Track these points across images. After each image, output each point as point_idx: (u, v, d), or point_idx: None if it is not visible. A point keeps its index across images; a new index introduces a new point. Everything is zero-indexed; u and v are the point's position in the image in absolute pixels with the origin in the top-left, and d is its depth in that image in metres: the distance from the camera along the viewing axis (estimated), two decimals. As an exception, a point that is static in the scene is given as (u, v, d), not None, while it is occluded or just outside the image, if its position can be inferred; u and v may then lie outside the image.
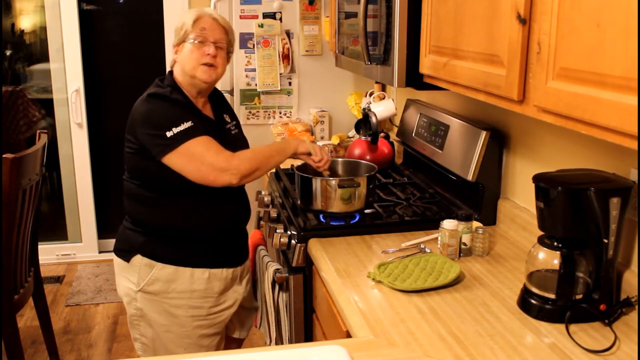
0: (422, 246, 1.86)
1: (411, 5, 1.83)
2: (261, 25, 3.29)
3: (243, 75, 3.35)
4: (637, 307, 1.44)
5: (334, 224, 2.01)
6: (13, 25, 4.04)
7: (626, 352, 1.29)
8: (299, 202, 2.12)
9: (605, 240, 1.37)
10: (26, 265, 2.59)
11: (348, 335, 1.50)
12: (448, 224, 1.75)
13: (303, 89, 3.44)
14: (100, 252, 4.24)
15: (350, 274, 1.68)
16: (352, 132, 3.18)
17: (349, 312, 1.48)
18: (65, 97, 3.99)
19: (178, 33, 1.91)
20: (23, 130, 4.06)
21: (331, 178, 2.04)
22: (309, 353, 1.26)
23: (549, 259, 1.45)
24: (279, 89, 3.39)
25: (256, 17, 3.30)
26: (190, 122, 1.79)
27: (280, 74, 3.37)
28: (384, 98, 3.01)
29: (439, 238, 1.79)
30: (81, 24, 3.90)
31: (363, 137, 2.66)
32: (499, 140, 2.03)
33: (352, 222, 2.03)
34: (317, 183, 2.03)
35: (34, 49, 4.09)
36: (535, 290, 1.45)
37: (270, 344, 2.08)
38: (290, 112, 3.46)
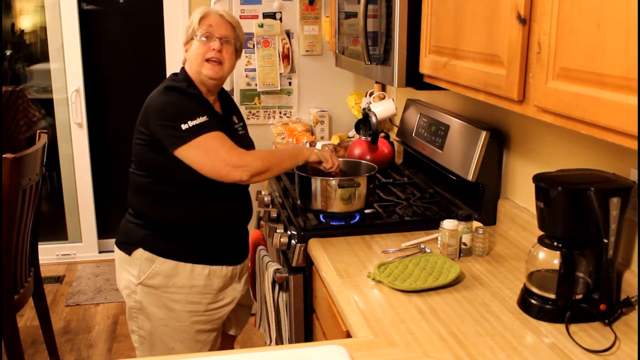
0: (422, 246, 1.86)
1: (411, 5, 1.83)
2: (261, 25, 3.29)
3: (243, 75, 3.35)
4: (637, 307, 1.43)
5: (334, 224, 2.01)
6: (13, 25, 4.04)
7: (626, 352, 1.29)
8: (298, 202, 2.13)
9: (605, 240, 1.37)
10: (26, 265, 2.59)
11: (348, 335, 1.50)
12: (448, 224, 1.75)
13: (303, 89, 3.44)
14: (100, 252, 4.25)
15: (350, 274, 1.68)
16: (352, 132, 3.18)
17: (349, 312, 1.48)
18: (65, 97, 4.00)
19: (187, 31, 1.93)
20: (23, 130, 4.06)
21: (331, 178, 2.04)
22: (309, 353, 1.26)
23: (549, 259, 1.45)
24: (279, 89, 3.39)
25: (256, 17, 3.30)
26: (205, 116, 1.81)
27: (280, 74, 3.37)
28: (384, 98, 3.01)
29: (439, 238, 1.79)
30: (81, 24, 3.91)
31: (363, 137, 2.66)
32: (499, 140, 2.03)
33: (352, 222, 2.03)
34: (317, 183, 2.03)
35: (34, 49, 4.09)
36: (535, 290, 1.46)
37: (270, 344, 2.08)
38: (290, 112, 3.46)
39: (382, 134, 2.76)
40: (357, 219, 2.04)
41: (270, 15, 3.32)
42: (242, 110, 3.37)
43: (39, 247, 2.82)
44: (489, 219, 2.04)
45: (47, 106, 4.07)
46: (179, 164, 1.80)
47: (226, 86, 3.42)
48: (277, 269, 1.98)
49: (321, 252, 1.83)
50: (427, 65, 1.80)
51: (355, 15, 2.33)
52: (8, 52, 4.07)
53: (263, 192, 2.46)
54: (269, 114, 3.43)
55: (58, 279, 3.92)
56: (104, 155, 4.19)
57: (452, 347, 1.31)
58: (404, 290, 1.56)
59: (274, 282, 2.00)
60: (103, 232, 4.25)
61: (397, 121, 2.87)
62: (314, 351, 1.27)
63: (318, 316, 1.89)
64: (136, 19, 4.07)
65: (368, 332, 1.38)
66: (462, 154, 2.09)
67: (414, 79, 1.89)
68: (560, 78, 1.17)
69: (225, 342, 2.22)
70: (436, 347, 1.31)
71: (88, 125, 4.04)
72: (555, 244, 1.43)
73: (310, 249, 1.89)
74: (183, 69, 1.95)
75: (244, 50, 3.29)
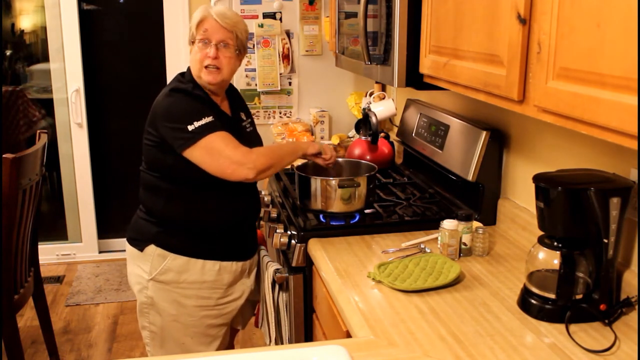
0: (422, 246, 1.86)
1: (411, 5, 1.83)
2: (261, 25, 3.29)
3: (243, 75, 3.36)
4: (637, 307, 1.43)
5: (334, 224, 2.01)
6: (13, 25, 4.04)
7: (626, 352, 1.29)
8: (298, 202, 2.13)
9: (605, 240, 1.37)
10: (26, 265, 2.59)
11: (348, 335, 1.50)
12: (448, 224, 1.75)
13: (303, 89, 3.44)
14: (100, 252, 4.24)
15: (350, 274, 1.68)
16: (352, 132, 3.18)
17: (349, 312, 1.48)
18: (65, 97, 3.99)
19: (189, 33, 1.94)
20: (23, 130, 4.06)
21: (331, 178, 2.04)
22: (309, 353, 1.26)
23: (549, 259, 1.45)
24: (279, 89, 3.39)
25: (256, 17, 3.30)
26: (211, 117, 1.82)
27: (280, 74, 3.37)
28: (384, 98, 3.01)
29: (439, 238, 1.79)
30: (81, 24, 3.90)
31: (363, 137, 2.66)
32: (499, 140, 2.03)
33: (352, 222, 2.03)
34: (317, 183, 2.03)
35: (34, 49, 4.09)
36: (535, 290, 1.46)
37: (270, 344, 2.08)
38: (290, 112, 3.46)
39: (382, 134, 2.76)
40: (357, 219, 2.05)
41: (270, 15, 3.32)
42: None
43: (39, 247, 2.82)
44: (489, 219, 2.04)
45: (47, 106, 4.07)
46: (188, 164, 1.82)
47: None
48: (277, 269, 1.98)
49: (321, 252, 1.83)
50: (427, 65, 1.80)
51: (355, 15, 2.33)
52: (8, 52, 4.07)
53: (263, 192, 2.46)
54: (269, 114, 3.43)
55: (58, 279, 3.91)
56: (104, 155, 4.19)
57: (452, 347, 1.31)
58: (404, 290, 1.56)
59: (274, 282, 2.00)
60: (103, 232, 4.25)
61: (397, 121, 2.87)
62: (314, 351, 1.27)
63: (318, 316, 1.89)
64: (136, 19, 4.06)
65: (368, 332, 1.38)
66: (462, 154, 2.09)
67: (414, 79, 1.89)
68: (560, 78, 1.17)
69: (230, 336, 2.24)
70: (436, 347, 1.31)
71: (88, 125, 4.04)
72: (555, 244, 1.43)
73: (310, 249, 1.89)
74: (189, 68, 1.96)
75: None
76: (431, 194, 2.28)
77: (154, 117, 1.87)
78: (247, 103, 3.36)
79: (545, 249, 1.45)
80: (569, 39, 1.13)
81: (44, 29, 3.95)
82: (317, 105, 3.47)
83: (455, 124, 2.19)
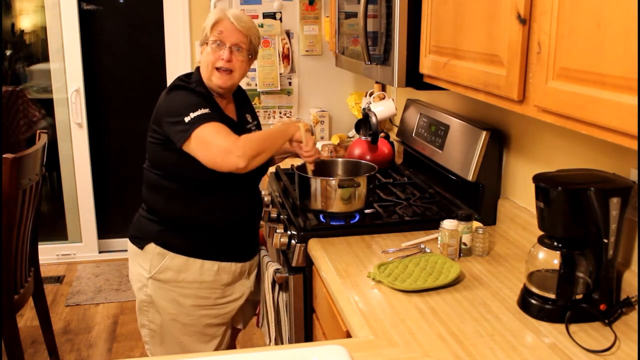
0: (422, 246, 1.86)
1: (411, 5, 1.83)
2: (261, 25, 3.29)
3: (243, 75, 3.35)
4: (637, 307, 1.43)
5: (334, 224, 2.01)
6: (13, 25, 4.04)
7: (626, 352, 1.29)
8: (298, 202, 2.13)
9: (605, 240, 1.37)
10: (26, 265, 2.60)
11: (348, 335, 1.50)
12: (448, 224, 1.75)
13: (303, 89, 3.44)
14: (100, 252, 4.24)
15: (350, 274, 1.68)
16: (352, 132, 3.18)
17: (349, 312, 1.48)
18: (65, 97, 3.99)
19: (202, 34, 1.92)
20: (23, 130, 4.06)
21: (331, 178, 2.04)
22: (309, 353, 1.26)
23: (549, 259, 1.45)
24: (279, 89, 3.39)
25: (256, 17, 3.30)
26: (207, 109, 1.81)
27: (280, 74, 3.37)
28: (384, 98, 3.01)
29: (439, 238, 1.79)
30: (81, 24, 3.90)
31: (363, 137, 2.66)
32: (499, 140, 2.03)
33: (352, 222, 2.03)
34: (317, 183, 2.03)
35: (34, 49, 4.09)
36: (535, 290, 1.46)
37: (270, 344, 2.08)
38: (290, 112, 3.46)
39: (382, 134, 2.76)
40: (357, 219, 2.04)
41: (270, 15, 3.32)
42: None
43: (39, 247, 2.82)
44: (489, 219, 2.04)
45: (47, 106, 4.07)
46: (191, 162, 1.81)
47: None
48: (277, 269, 1.98)
49: (321, 252, 1.83)
50: (427, 65, 1.80)
51: (355, 15, 2.33)
52: (8, 52, 4.07)
53: (263, 192, 2.46)
54: (269, 114, 3.43)
55: (58, 279, 3.92)
56: (104, 155, 4.19)
57: (452, 347, 1.31)
58: (404, 290, 1.56)
59: (274, 282, 2.00)
60: (103, 232, 4.25)
61: (397, 121, 2.87)
62: (314, 351, 1.27)
63: (318, 316, 1.89)
64: (136, 19, 4.07)
65: (368, 332, 1.38)
66: (462, 154, 2.09)
67: (414, 79, 1.89)
68: (560, 78, 1.17)
69: (231, 335, 2.24)
70: (436, 347, 1.31)
71: (88, 125, 4.04)
72: (555, 244, 1.43)
73: (310, 249, 1.89)
74: (198, 69, 1.96)
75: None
76: (431, 194, 2.28)
77: (157, 114, 1.88)
78: (247, 103, 3.38)
79: (545, 249, 1.45)
80: (569, 39, 1.13)
81: (44, 29, 3.95)
82: (317, 105, 3.47)
83: (455, 124, 2.19)
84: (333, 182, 2.01)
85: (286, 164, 2.40)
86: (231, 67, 1.88)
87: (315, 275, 1.88)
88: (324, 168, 2.20)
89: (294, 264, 1.93)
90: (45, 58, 3.99)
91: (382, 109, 2.85)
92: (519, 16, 1.28)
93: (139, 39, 4.09)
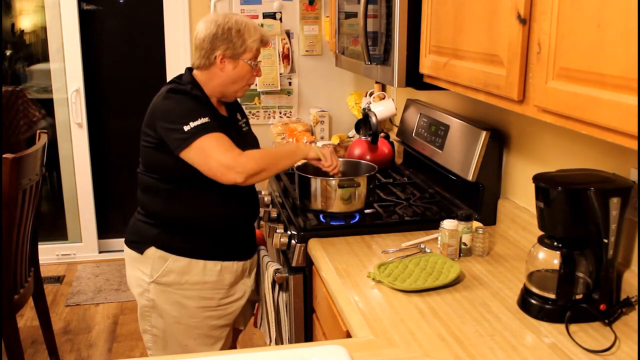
0: (422, 246, 1.86)
1: (411, 5, 1.83)
2: (261, 25, 3.29)
3: (243, 75, 3.35)
4: (637, 307, 1.44)
5: (334, 224, 2.01)
6: (13, 25, 4.04)
7: (626, 352, 1.29)
8: (298, 202, 2.13)
9: (605, 240, 1.37)
10: (26, 265, 2.59)
11: (348, 335, 1.50)
12: (448, 224, 1.75)
13: (303, 89, 3.44)
14: (100, 252, 4.24)
15: (350, 274, 1.68)
16: (352, 132, 3.18)
17: (349, 312, 1.48)
18: (65, 97, 3.99)
19: (234, 44, 1.86)
20: (23, 130, 4.06)
21: (331, 178, 2.03)
22: (309, 353, 1.26)
23: (549, 259, 1.45)
24: (279, 89, 3.39)
25: (256, 17, 3.30)
26: (207, 117, 1.82)
27: (280, 74, 3.38)
28: (384, 98, 3.01)
29: (439, 238, 1.79)
30: (81, 24, 3.90)
31: (363, 137, 2.66)
32: (499, 140, 2.03)
33: (352, 222, 2.03)
34: (317, 183, 2.03)
35: (34, 49, 4.09)
36: (535, 290, 1.46)
37: (270, 344, 2.08)
38: (290, 112, 3.46)
39: (382, 134, 2.76)
40: (357, 219, 2.05)
41: (270, 15, 3.32)
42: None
43: (39, 247, 2.82)
44: (489, 219, 2.04)
45: (47, 106, 4.07)
46: (187, 164, 1.82)
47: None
48: (277, 269, 1.98)
49: (321, 252, 1.83)
50: (427, 65, 1.80)
51: (355, 15, 2.33)
52: (8, 52, 4.07)
53: (263, 192, 2.46)
54: (269, 114, 3.43)
55: (58, 279, 3.92)
56: (104, 155, 4.19)
57: (452, 347, 1.31)
58: (404, 290, 1.56)
59: (274, 282, 2.00)
60: (103, 232, 4.25)
61: (397, 121, 2.87)
62: (314, 351, 1.27)
63: (318, 316, 1.89)
64: (136, 19, 4.06)
65: (368, 332, 1.38)
66: (462, 154, 2.09)
67: (414, 79, 1.89)
68: (560, 78, 1.17)
69: (233, 337, 2.24)
70: (436, 347, 1.31)
71: (88, 125, 4.04)
72: (555, 244, 1.43)
73: (310, 249, 1.89)
74: (190, 71, 1.95)
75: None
76: (431, 194, 2.28)
77: (152, 118, 1.86)
78: (247, 103, 3.39)
79: (545, 249, 1.45)
80: (569, 39, 1.13)
81: (44, 29, 3.95)
82: (317, 105, 3.47)
83: (455, 124, 2.19)
84: (333, 182, 2.01)
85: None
86: None
87: (315, 275, 1.88)
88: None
89: (294, 264, 1.93)
90: (45, 58, 3.99)
91: (382, 109, 2.85)
92: (519, 16, 1.28)
93: (139, 39, 4.09)
